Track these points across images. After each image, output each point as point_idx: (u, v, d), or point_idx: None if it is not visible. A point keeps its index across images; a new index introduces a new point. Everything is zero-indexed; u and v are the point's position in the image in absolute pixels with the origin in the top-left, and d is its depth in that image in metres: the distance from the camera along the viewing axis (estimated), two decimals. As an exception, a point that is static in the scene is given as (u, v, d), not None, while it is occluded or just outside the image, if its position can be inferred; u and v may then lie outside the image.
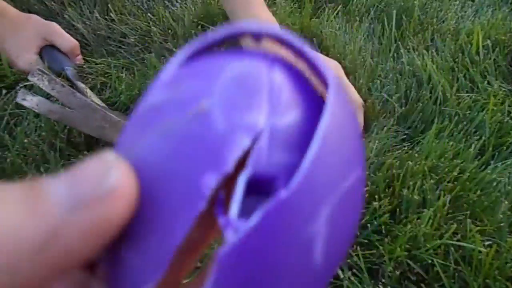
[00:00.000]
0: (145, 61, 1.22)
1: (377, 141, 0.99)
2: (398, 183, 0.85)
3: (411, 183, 0.85)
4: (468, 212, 0.80)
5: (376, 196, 0.83)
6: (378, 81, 1.16)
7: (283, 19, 1.33)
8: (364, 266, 0.73)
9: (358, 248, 0.76)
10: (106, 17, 1.41)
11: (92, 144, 0.99)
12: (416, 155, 0.92)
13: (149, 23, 1.39)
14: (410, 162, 0.87)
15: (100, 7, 1.45)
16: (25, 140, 0.94)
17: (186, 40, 1.32)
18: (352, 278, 0.71)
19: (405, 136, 1.04)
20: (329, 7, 1.45)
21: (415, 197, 0.82)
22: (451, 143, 0.94)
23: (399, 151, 0.98)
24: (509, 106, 1.04)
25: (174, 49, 1.27)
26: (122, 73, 1.16)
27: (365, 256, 0.75)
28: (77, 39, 1.21)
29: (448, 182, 0.85)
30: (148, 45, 1.33)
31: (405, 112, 1.09)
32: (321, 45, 1.27)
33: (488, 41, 1.22)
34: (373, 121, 1.08)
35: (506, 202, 0.80)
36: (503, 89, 1.12)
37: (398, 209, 0.82)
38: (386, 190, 0.85)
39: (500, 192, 0.84)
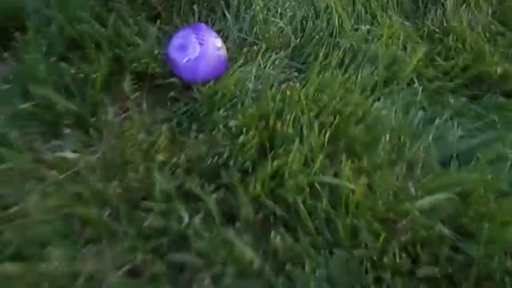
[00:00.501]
0: None
1: (263, 75, 0.86)
2: (273, 116, 0.73)
3: (288, 116, 0.73)
4: (344, 148, 0.70)
5: (245, 129, 0.70)
6: (273, 8, 1.02)
7: None
8: (218, 210, 0.60)
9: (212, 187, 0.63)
10: None
11: None
12: (300, 87, 0.80)
13: None
14: (289, 93, 0.74)
15: None
16: None
17: None
18: (199, 224, 0.58)
19: (296, 73, 0.91)
20: None
21: (289, 130, 0.70)
22: (339, 75, 0.83)
23: (286, 82, 0.86)
24: (405, 38, 0.95)
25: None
26: None
27: (221, 199, 0.63)
28: None
29: (329, 115, 0.74)
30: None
31: (300, 45, 0.96)
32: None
33: (393, -25, 1.12)
34: (265, 53, 0.94)
35: (387, 138, 0.71)
36: (402, 24, 1.03)
37: (269, 144, 0.70)
38: (258, 123, 0.73)
39: (384, 128, 0.75)
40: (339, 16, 0.98)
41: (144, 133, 0.73)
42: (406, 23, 1.04)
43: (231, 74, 0.87)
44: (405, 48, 0.95)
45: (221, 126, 0.74)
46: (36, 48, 0.77)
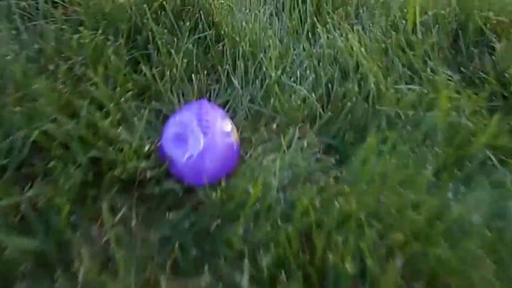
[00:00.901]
0: None
1: (289, 164, 0.65)
2: (319, 240, 0.50)
3: (340, 238, 0.51)
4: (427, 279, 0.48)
5: (284, 270, 0.48)
6: (289, 70, 0.82)
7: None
8: None
9: None
10: None
11: None
12: (346, 187, 0.58)
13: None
14: (337, 203, 0.53)
15: None
16: None
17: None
18: None
19: (333, 159, 0.69)
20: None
21: (347, 266, 0.48)
22: (394, 161, 0.62)
23: (321, 176, 0.64)
24: (464, 101, 0.75)
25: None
26: None
27: None
28: None
29: (398, 231, 0.52)
30: None
31: (328, 115, 0.75)
32: (210, 22, 0.90)
33: (426, 16, 0.93)
34: (286, 130, 0.73)
35: (488, 260, 0.49)
36: (451, 78, 0.84)
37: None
38: (301, 254, 0.50)
39: (473, 241, 0.53)
40: (374, 75, 0.78)
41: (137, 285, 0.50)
42: (454, 75, 0.85)
43: (247, 167, 0.66)
44: (464, 111, 0.74)
45: (246, 261, 0.51)
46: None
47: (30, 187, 0.56)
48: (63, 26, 0.83)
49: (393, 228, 0.53)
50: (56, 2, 0.91)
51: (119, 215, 0.58)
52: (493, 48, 0.92)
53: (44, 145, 0.61)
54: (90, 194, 0.59)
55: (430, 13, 0.96)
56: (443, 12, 0.97)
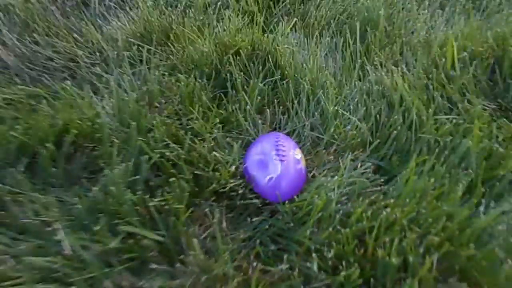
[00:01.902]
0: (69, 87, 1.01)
1: (346, 182, 0.81)
2: (371, 240, 0.66)
3: (387, 239, 0.66)
4: (460, 275, 0.62)
5: (344, 262, 0.64)
6: (343, 103, 0.99)
7: (233, 35, 1.15)
8: None
9: None
10: (29, 38, 1.20)
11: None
12: (392, 200, 0.73)
13: (75, 45, 1.18)
14: (385, 211, 0.68)
15: (22, 27, 1.24)
16: None
17: (118, 64, 1.11)
18: None
19: (382, 179, 0.84)
20: (284, 20, 1.28)
21: (393, 260, 0.63)
22: (432, 180, 0.76)
23: (372, 191, 0.80)
24: (497, 129, 0.88)
25: (104, 74, 1.07)
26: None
27: None
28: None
29: (434, 235, 0.67)
30: (74, 71, 1.12)
31: (377, 142, 0.91)
32: (276, 64, 1.09)
33: (465, 53, 1.07)
34: (342, 154, 0.90)
35: (510, 261, 0.62)
36: (487, 108, 0.96)
37: (372, 279, 0.63)
38: (356, 250, 0.66)
39: (499, 244, 0.66)
40: (416, 108, 0.93)
41: (232, 268, 0.68)
42: (490, 105, 0.97)
43: (312, 184, 0.83)
44: (497, 137, 0.87)
45: (314, 255, 0.68)
46: (120, 179, 0.77)
47: (152, 196, 0.77)
48: (165, 72, 1.06)
49: (430, 233, 0.67)
50: (155, 50, 1.15)
51: (215, 218, 0.77)
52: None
53: (160, 165, 0.83)
54: (195, 202, 0.79)
55: (468, 50, 1.09)
56: (480, 49, 1.10)
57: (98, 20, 1.30)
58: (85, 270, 0.67)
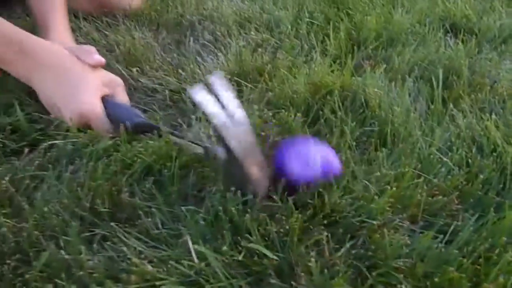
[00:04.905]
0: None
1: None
2: None
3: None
4: None
5: None
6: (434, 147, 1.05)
7: (323, 77, 1.25)
8: None
9: None
10: (135, 70, 1.36)
11: (115, 213, 0.88)
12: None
13: (179, 79, 1.33)
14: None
15: (127, 60, 1.41)
16: (45, 209, 0.84)
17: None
18: None
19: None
20: (365, 63, 1.38)
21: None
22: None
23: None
24: None
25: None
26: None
27: None
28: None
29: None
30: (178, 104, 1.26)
31: (468, 187, 0.95)
32: (365, 105, 1.18)
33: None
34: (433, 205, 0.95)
35: None
36: None
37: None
38: None
39: None
40: (510, 156, 0.98)
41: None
42: None
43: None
44: None
45: None
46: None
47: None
48: (264, 109, 1.17)
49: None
50: (251, 87, 1.27)
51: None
52: None
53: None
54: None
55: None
56: None
57: (196, 57, 1.45)
58: (214, 279, 0.76)
